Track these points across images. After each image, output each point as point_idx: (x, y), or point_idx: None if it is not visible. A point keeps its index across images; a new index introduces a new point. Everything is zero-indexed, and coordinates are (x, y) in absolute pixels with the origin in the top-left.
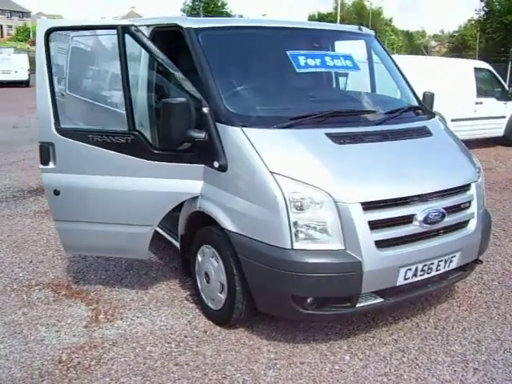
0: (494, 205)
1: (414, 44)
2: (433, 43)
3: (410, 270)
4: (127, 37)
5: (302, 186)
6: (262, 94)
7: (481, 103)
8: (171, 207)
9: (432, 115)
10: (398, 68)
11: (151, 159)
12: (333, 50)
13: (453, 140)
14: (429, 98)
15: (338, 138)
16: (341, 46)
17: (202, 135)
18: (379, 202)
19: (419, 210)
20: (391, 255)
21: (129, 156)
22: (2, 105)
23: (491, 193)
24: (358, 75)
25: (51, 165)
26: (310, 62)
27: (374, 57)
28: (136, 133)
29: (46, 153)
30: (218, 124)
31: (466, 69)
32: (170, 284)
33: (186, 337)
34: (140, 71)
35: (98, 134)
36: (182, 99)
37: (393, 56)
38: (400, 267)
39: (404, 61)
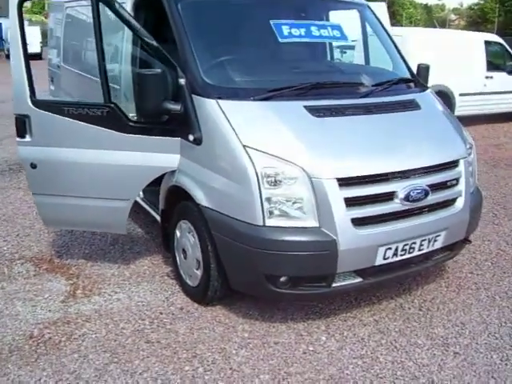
0: (498, 182)
1: (432, 17)
2: (452, 17)
3: (389, 249)
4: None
5: (275, 161)
6: (242, 65)
7: (491, 77)
8: (148, 181)
9: (424, 88)
10: (392, 40)
11: (127, 132)
12: (324, 19)
13: (443, 114)
14: (423, 70)
15: (316, 111)
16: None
17: (177, 107)
18: (356, 178)
19: (400, 187)
20: (369, 234)
21: (104, 129)
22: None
23: (496, 170)
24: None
25: (27, 138)
26: (295, 31)
27: (369, 28)
28: (112, 105)
29: (22, 125)
30: (193, 96)
31: (475, 42)
32: (153, 259)
33: (161, 313)
34: (117, 41)
35: (74, 106)
36: (157, 70)
37: (402, 28)
38: (379, 246)
39: (412, 33)
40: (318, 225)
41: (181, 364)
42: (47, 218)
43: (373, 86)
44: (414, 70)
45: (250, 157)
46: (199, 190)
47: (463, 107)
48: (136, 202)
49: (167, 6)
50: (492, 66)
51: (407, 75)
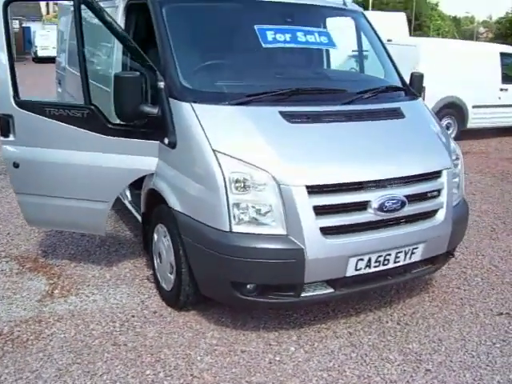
0: (502, 196)
1: (461, 30)
2: (481, 29)
3: (361, 260)
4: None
5: (243, 166)
6: (221, 70)
7: (506, 90)
8: (127, 184)
9: (414, 97)
10: (385, 48)
11: (106, 134)
12: (320, 27)
13: (429, 124)
14: (417, 79)
15: (292, 117)
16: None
17: (154, 111)
18: (326, 186)
19: (375, 197)
20: (339, 244)
21: (85, 130)
22: (32, 79)
23: (503, 183)
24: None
25: (11, 137)
26: (279, 37)
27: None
28: (92, 107)
29: (6, 125)
30: (170, 99)
31: (491, 53)
32: (136, 262)
33: (133, 316)
34: (111, 44)
35: (55, 107)
36: (135, 73)
37: (416, 38)
38: (350, 257)
39: (425, 43)
40: (285, 233)
41: (143, 368)
42: (29, 217)
43: (358, 93)
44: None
45: (218, 161)
46: (172, 194)
47: (476, 119)
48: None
49: (152, 10)
50: (508, 78)
51: (397, 83)
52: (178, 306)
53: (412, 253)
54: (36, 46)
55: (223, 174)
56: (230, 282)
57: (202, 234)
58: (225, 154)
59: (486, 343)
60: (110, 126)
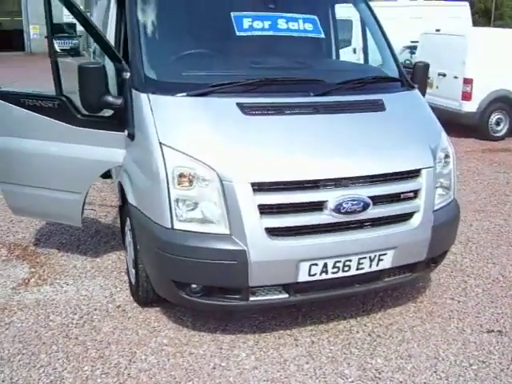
0: None
1: None
2: None
3: (315, 265)
4: None
5: (187, 161)
6: (188, 60)
7: None
8: (97, 176)
9: (407, 88)
10: (385, 36)
11: (77, 125)
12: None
13: (415, 118)
14: (420, 69)
15: (249, 109)
16: None
17: (118, 101)
18: (274, 183)
19: (332, 197)
20: (287, 246)
21: (56, 121)
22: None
23: None
24: None
25: None
26: (257, 24)
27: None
28: (63, 98)
29: None
30: (132, 90)
31: None
32: (121, 255)
33: (95, 310)
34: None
35: (29, 97)
36: (98, 63)
37: (467, 27)
38: (300, 261)
39: (476, 33)
40: (228, 232)
41: (83, 363)
42: (13, 206)
43: (338, 84)
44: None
45: (163, 155)
46: (130, 188)
47: None
48: None
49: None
50: None
51: (394, 73)
52: (140, 301)
53: (379, 259)
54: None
55: (166, 168)
56: (171, 280)
57: (148, 229)
58: (171, 147)
59: (461, 364)
60: (79, 116)
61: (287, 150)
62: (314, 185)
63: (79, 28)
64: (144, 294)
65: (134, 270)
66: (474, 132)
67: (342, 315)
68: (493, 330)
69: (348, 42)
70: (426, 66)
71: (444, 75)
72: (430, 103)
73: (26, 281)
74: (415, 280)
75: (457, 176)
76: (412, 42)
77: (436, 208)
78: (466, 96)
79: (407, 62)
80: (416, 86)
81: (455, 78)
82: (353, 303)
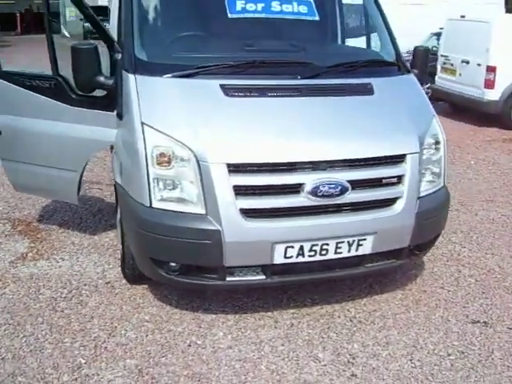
0: None
1: None
2: None
3: (291, 247)
4: None
5: (166, 140)
6: (180, 42)
7: None
8: (91, 154)
9: (402, 72)
10: (384, 20)
11: (72, 104)
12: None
13: (404, 103)
14: (420, 54)
15: (232, 91)
16: None
17: (109, 82)
18: (250, 165)
19: (309, 180)
20: (262, 228)
21: (52, 100)
22: None
23: None
24: None
25: None
26: (250, 6)
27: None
28: (59, 78)
29: None
30: (122, 71)
31: None
32: None
33: (85, 285)
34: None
35: (27, 77)
36: (91, 43)
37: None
38: (275, 243)
39: (503, 20)
40: (204, 212)
41: (64, 335)
42: (14, 182)
43: (328, 67)
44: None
45: (144, 134)
46: (117, 166)
47: None
48: None
49: None
50: None
51: (390, 58)
52: (128, 278)
53: (359, 244)
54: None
55: (145, 147)
56: (149, 258)
57: (130, 207)
58: (152, 127)
59: (439, 353)
60: (74, 96)
61: (265, 131)
62: (291, 167)
63: None
64: (130, 271)
65: (121, 247)
66: (496, 121)
67: (327, 300)
68: (478, 321)
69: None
70: (426, 51)
71: (467, 62)
72: (452, 91)
73: (24, 255)
74: (398, 266)
75: (470, 165)
76: (441, 28)
77: (423, 194)
78: (489, 84)
79: (434, 48)
80: (415, 71)
81: (478, 65)
82: (340, 288)
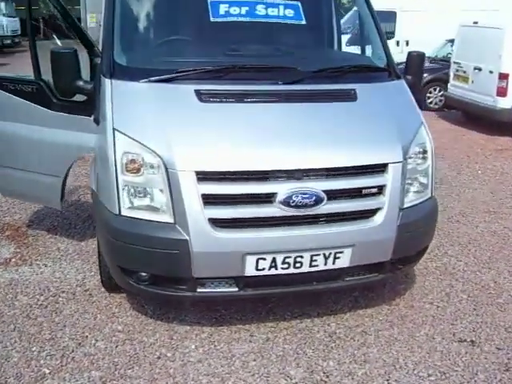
0: None
1: None
2: None
3: (263, 259)
4: None
5: (135, 147)
6: (160, 47)
7: None
8: (73, 160)
9: (392, 78)
10: (377, 24)
11: (53, 109)
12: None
13: (389, 110)
14: (414, 59)
15: (206, 96)
16: None
17: (88, 86)
18: (219, 173)
19: (282, 190)
20: (232, 238)
21: (34, 105)
22: None
23: None
24: None
25: None
26: (234, 10)
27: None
28: (40, 82)
29: None
30: (100, 75)
31: None
32: None
33: (63, 292)
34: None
35: (10, 81)
36: (70, 48)
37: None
38: (246, 254)
39: None
40: (172, 221)
41: (33, 344)
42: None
43: (313, 72)
44: None
45: (114, 140)
46: (92, 172)
47: None
48: None
49: None
50: None
51: (381, 63)
52: (105, 286)
53: (335, 257)
54: None
55: (115, 154)
56: (118, 267)
57: (100, 214)
58: (122, 133)
59: (418, 374)
60: (55, 101)
61: (237, 138)
62: (262, 176)
63: None
64: (106, 280)
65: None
66: (509, 130)
67: (308, 313)
68: (465, 340)
69: (392, 34)
70: (421, 56)
71: (480, 69)
72: (464, 99)
73: (8, 260)
74: (380, 281)
75: (477, 174)
76: None
77: (407, 206)
78: (502, 91)
79: (449, 55)
80: (409, 77)
81: (490, 72)
82: (323, 302)
